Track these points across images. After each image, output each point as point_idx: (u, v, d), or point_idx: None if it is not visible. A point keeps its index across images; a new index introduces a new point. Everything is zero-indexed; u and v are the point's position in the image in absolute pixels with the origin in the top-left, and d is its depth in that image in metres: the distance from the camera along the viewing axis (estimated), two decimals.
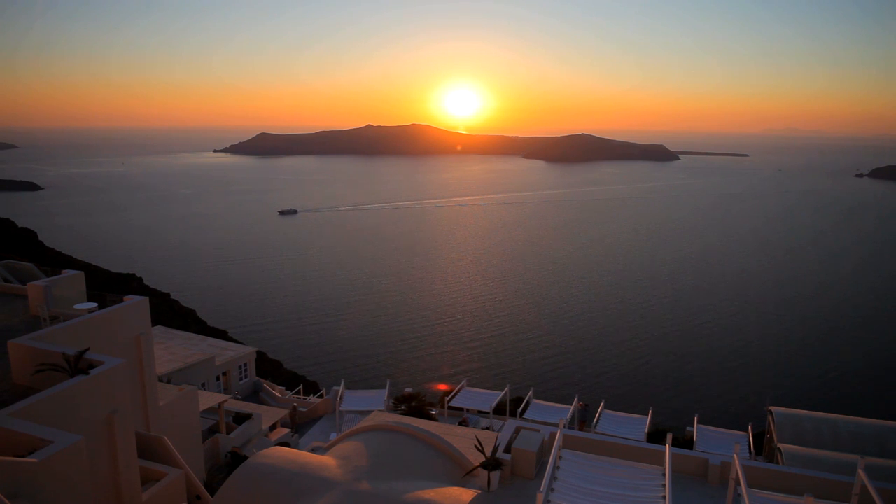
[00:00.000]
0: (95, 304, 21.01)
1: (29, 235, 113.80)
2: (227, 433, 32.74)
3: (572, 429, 29.90)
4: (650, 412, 32.92)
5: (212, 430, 32.43)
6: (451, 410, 38.34)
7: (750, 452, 28.99)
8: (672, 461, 14.57)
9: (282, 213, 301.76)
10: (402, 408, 35.47)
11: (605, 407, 33.42)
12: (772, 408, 29.35)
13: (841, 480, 15.65)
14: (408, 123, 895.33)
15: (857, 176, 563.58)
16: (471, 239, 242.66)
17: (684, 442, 31.30)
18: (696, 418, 32.03)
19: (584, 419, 35.73)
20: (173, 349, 41.71)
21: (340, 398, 36.55)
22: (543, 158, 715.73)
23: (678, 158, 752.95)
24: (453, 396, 36.86)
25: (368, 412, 28.92)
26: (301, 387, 51.96)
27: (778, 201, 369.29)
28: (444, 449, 16.18)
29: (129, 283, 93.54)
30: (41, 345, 16.51)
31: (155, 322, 38.35)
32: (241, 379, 46.17)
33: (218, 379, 43.46)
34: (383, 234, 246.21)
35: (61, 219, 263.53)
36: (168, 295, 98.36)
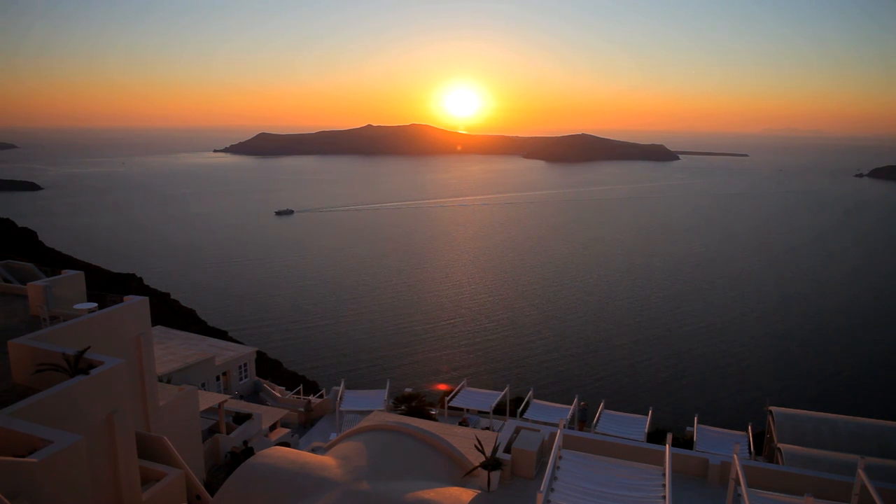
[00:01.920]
0: (95, 304, 20.98)
1: (29, 235, 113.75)
2: (227, 433, 32.75)
3: (572, 429, 29.90)
4: (650, 412, 32.92)
5: (212, 430, 32.44)
6: (451, 410, 38.32)
7: (750, 452, 28.98)
8: (672, 461, 14.55)
9: (278, 213, 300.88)
10: (402, 408, 35.50)
11: (605, 407, 33.40)
12: (772, 408, 29.35)
13: (841, 480, 15.65)
14: (408, 123, 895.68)
15: (856, 176, 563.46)
16: (471, 239, 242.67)
17: (684, 442, 31.31)
18: (696, 418, 32.03)
19: (584, 419, 35.74)
20: (173, 349, 41.71)
21: (340, 398, 36.52)
22: (543, 158, 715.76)
23: (678, 158, 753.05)
24: (453, 396, 36.84)
25: (368, 412, 28.90)
26: (301, 387, 51.88)
27: (778, 201, 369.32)
28: (444, 449, 16.17)
29: (129, 283, 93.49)
30: (41, 345, 16.49)
31: (155, 322, 38.32)
32: (241, 379, 46.15)
33: (218, 379, 43.45)
34: (383, 235, 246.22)
35: (61, 219, 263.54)
36: (168, 295, 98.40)
